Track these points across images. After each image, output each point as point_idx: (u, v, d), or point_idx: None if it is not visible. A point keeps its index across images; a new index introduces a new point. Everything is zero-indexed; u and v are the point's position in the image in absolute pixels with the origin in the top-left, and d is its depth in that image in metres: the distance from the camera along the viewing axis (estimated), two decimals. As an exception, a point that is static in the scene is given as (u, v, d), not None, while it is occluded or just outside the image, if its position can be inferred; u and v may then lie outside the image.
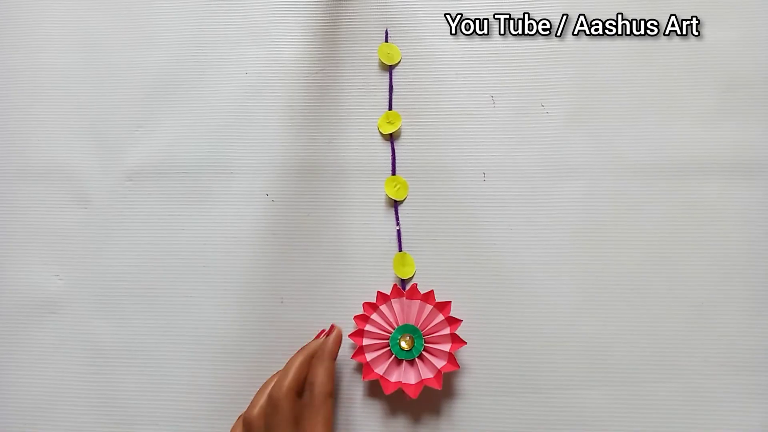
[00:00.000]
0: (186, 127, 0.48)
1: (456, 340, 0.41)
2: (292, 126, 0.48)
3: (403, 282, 0.45)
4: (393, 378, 0.41)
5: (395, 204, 0.46)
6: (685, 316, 0.43)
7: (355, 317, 0.43)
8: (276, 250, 0.46)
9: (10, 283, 0.47)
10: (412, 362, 0.42)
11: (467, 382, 0.43)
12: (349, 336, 0.43)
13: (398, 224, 0.46)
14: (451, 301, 0.42)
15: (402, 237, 0.45)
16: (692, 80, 0.46)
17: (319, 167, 0.47)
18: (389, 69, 0.47)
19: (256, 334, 0.45)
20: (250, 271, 0.46)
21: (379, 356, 0.42)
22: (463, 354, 0.43)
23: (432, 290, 0.43)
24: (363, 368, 0.42)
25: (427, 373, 0.41)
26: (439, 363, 0.41)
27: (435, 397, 0.43)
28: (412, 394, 0.41)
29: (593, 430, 0.42)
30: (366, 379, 0.41)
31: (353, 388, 0.44)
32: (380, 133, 0.47)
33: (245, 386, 0.44)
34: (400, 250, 0.45)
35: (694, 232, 0.44)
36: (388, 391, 0.41)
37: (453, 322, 0.42)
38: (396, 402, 0.43)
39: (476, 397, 0.43)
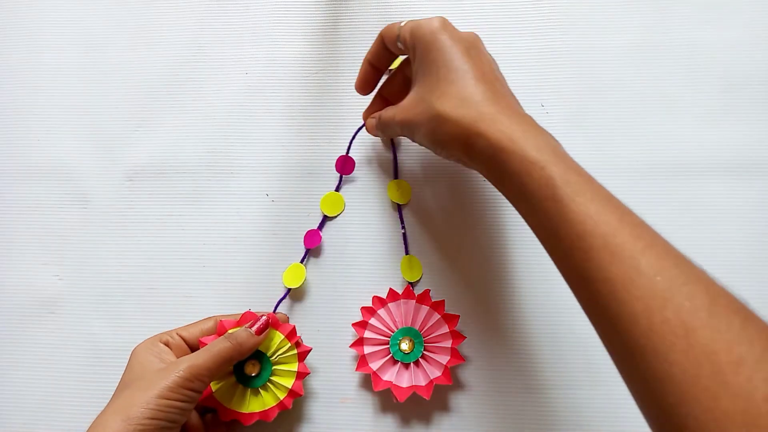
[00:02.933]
0: (186, 127, 0.48)
1: (455, 353, 0.41)
2: (292, 126, 0.48)
3: (410, 285, 0.44)
4: (386, 377, 0.41)
5: (399, 207, 0.46)
6: (685, 316, 0.43)
7: (354, 324, 0.43)
8: (276, 250, 0.46)
9: (10, 283, 0.47)
10: (407, 365, 0.42)
11: (468, 379, 0.43)
12: (350, 346, 0.42)
13: (403, 227, 0.45)
14: (459, 315, 0.42)
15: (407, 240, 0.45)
16: (692, 80, 0.46)
17: (319, 167, 0.47)
18: (389, 73, 0.47)
19: (256, 334, 0.45)
20: (250, 271, 0.45)
21: (383, 364, 0.42)
22: (464, 351, 0.43)
23: (443, 300, 0.43)
24: (372, 378, 0.41)
25: (420, 380, 0.41)
26: (434, 373, 0.41)
27: (439, 394, 0.43)
28: (400, 397, 0.41)
29: (593, 430, 0.42)
30: (377, 390, 0.41)
31: (348, 387, 0.44)
32: (382, 140, 0.47)
33: (245, 386, 0.44)
34: (407, 253, 0.45)
35: (694, 232, 0.44)
36: (402, 398, 0.41)
37: (457, 336, 0.42)
38: (388, 401, 0.43)
39: (477, 395, 0.43)
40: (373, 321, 0.43)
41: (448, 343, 0.42)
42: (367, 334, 0.42)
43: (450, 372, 0.41)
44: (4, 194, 0.48)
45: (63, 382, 0.45)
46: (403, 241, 0.45)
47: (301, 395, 0.40)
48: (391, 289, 0.43)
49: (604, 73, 0.47)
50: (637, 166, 0.45)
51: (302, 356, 0.41)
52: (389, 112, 0.40)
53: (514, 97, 0.36)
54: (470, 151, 0.33)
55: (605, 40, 0.48)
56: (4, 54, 0.50)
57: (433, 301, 0.43)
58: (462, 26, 0.48)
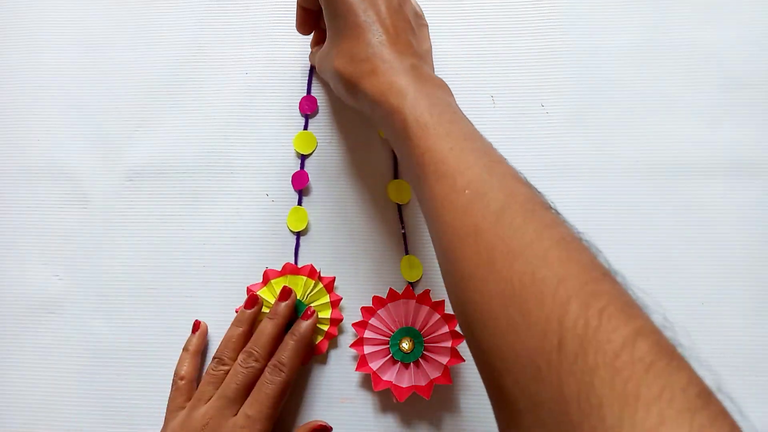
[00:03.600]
0: (186, 127, 0.48)
1: (456, 353, 0.41)
2: (292, 126, 0.48)
3: (410, 285, 0.44)
4: (386, 377, 0.41)
5: (399, 207, 0.46)
6: (685, 315, 0.43)
7: (354, 324, 0.43)
8: (275, 250, 0.46)
9: (10, 283, 0.47)
10: (407, 365, 0.42)
11: (468, 379, 0.43)
12: (350, 346, 0.42)
13: (403, 227, 0.45)
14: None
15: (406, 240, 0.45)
16: (692, 80, 0.46)
17: (319, 167, 0.47)
18: None
19: (256, 334, 0.45)
20: (250, 271, 0.45)
21: (383, 364, 0.42)
22: (464, 351, 0.43)
23: (443, 300, 0.42)
24: (371, 378, 0.41)
25: (420, 380, 0.41)
26: (434, 373, 0.41)
27: (439, 394, 0.43)
28: (400, 397, 0.41)
29: (593, 430, 0.42)
30: (378, 390, 0.41)
31: (348, 387, 0.44)
32: (381, 136, 0.47)
33: (245, 386, 0.44)
34: (407, 253, 0.45)
35: (695, 232, 0.44)
36: (402, 398, 0.41)
37: (457, 336, 0.42)
38: (388, 401, 0.43)
39: (477, 395, 0.43)
40: (373, 321, 0.43)
41: (448, 343, 0.42)
42: (367, 334, 0.42)
43: (450, 372, 0.41)
44: (4, 194, 0.48)
45: (63, 382, 0.45)
46: (403, 241, 0.45)
47: (341, 319, 0.44)
48: (391, 289, 0.43)
49: (604, 73, 0.47)
50: (637, 166, 0.45)
51: (329, 288, 0.44)
52: (313, 59, 0.46)
53: (413, 33, 0.38)
54: (360, 103, 0.37)
55: (605, 40, 0.48)
56: (4, 54, 0.50)
57: (433, 301, 0.43)
58: (462, 26, 0.49)
